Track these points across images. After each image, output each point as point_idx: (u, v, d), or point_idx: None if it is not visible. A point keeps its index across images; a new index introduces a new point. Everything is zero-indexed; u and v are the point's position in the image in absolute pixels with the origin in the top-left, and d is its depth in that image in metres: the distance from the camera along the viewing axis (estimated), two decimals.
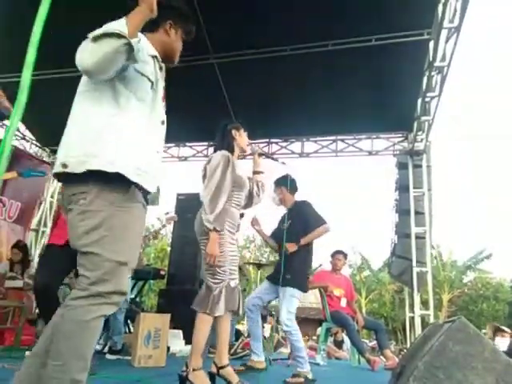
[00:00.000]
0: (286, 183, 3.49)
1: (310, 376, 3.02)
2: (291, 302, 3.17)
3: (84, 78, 1.43)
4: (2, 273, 5.01)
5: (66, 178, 1.32)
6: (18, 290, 4.94)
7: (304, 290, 3.28)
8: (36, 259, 7.29)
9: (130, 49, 1.27)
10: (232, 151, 2.56)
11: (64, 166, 1.28)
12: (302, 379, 2.96)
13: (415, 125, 5.88)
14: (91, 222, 1.27)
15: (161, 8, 1.44)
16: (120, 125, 1.34)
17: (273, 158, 3.14)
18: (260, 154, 2.84)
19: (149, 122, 1.44)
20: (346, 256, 5.06)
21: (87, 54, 1.23)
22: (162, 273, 4.97)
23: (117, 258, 1.28)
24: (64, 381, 1.20)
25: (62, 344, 1.23)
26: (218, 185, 2.38)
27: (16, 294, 4.84)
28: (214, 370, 2.39)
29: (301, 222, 3.36)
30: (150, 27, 1.53)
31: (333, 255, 4.94)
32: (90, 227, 1.27)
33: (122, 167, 1.29)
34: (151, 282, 4.77)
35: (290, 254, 3.21)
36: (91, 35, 1.22)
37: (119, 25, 1.27)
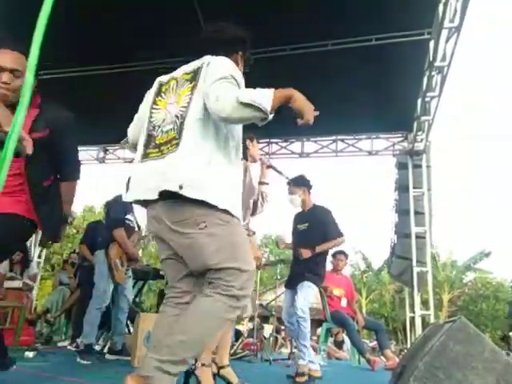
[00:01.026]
0: (307, 184, 3.52)
1: (315, 374, 3.06)
2: (308, 291, 3.30)
3: (203, 109, 1.45)
4: (1, 273, 5.01)
5: (173, 199, 1.39)
6: (18, 290, 4.94)
7: (319, 285, 3.51)
8: (36, 259, 7.29)
9: (264, 121, 1.39)
10: (246, 159, 2.66)
11: (181, 187, 1.35)
12: (305, 377, 2.99)
13: (415, 125, 5.88)
14: (219, 241, 1.40)
15: (236, 39, 1.68)
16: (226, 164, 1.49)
17: (279, 172, 3.18)
18: (268, 166, 2.97)
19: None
20: (347, 256, 5.06)
21: (230, 108, 1.33)
22: (162, 273, 4.96)
23: (246, 267, 1.41)
24: (177, 355, 1.33)
25: (194, 327, 1.36)
26: None
27: (15, 294, 4.84)
28: (214, 369, 2.38)
29: (320, 228, 3.41)
30: (224, 54, 1.60)
31: (334, 255, 4.93)
32: (219, 246, 1.39)
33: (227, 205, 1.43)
34: (151, 282, 4.76)
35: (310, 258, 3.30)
36: (241, 99, 1.32)
37: (263, 96, 1.34)
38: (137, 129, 1.76)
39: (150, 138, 1.55)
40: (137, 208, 3.91)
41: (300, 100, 1.40)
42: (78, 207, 21.88)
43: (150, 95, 1.69)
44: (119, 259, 3.59)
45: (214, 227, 1.39)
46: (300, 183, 3.52)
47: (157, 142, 1.51)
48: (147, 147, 1.54)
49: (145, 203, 1.52)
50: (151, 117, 1.60)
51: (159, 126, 1.53)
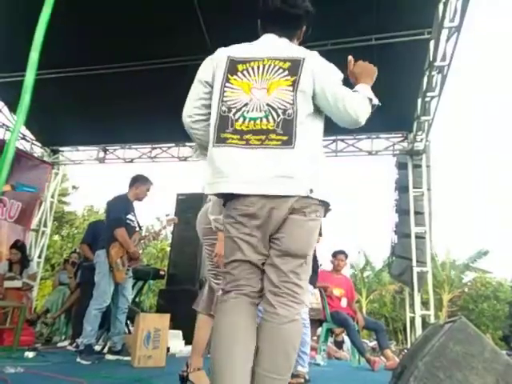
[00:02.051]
0: None
1: (307, 376, 3.00)
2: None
3: (311, 109, 1.42)
4: (1, 273, 5.01)
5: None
6: (17, 290, 4.94)
7: (314, 286, 3.45)
8: (36, 259, 7.29)
9: None
10: None
11: (311, 191, 1.33)
12: (301, 379, 2.94)
13: (415, 125, 5.88)
14: (316, 233, 1.41)
15: (306, 13, 1.59)
16: None
17: None
18: None
19: None
20: (347, 256, 5.05)
21: (366, 114, 1.41)
22: (162, 273, 4.97)
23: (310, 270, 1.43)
24: None
25: (293, 358, 1.33)
26: None
27: (15, 294, 4.84)
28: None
29: None
30: (295, 34, 1.60)
31: (334, 255, 4.92)
32: (315, 239, 1.41)
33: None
34: (151, 282, 4.76)
35: None
36: (375, 101, 1.44)
37: (370, 93, 1.46)
38: (195, 111, 1.54)
39: (225, 120, 1.39)
40: (137, 208, 3.92)
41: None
42: (78, 207, 21.90)
43: (214, 70, 1.49)
44: (120, 259, 3.59)
45: (319, 220, 1.41)
46: None
47: (237, 127, 1.37)
48: (222, 131, 1.39)
49: (232, 196, 1.37)
50: (224, 95, 1.43)
51: (238, 110, 1.39)
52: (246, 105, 1.39)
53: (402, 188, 6.31)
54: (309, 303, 3.30)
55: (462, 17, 3.81)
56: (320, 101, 1.41)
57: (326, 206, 1.42)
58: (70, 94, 6.07)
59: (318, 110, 1.44)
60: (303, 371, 2.99)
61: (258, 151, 1.33)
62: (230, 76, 1.45)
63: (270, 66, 1.43)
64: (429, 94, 4.95)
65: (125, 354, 3.61)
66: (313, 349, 6.19)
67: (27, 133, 7.49)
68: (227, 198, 1.39)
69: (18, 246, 5.30)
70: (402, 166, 6.33)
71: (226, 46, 1.56)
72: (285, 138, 1.34)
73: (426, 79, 4.92)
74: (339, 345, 7.15)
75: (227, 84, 1.44)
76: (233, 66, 1.46)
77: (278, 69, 1.42)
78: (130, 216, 3.74)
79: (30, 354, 3.45)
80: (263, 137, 1.34)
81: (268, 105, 1.38)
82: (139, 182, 3.84)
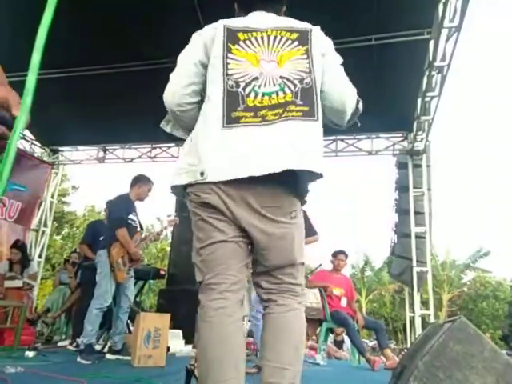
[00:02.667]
0: None
1: None
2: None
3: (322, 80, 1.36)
4: (1, 273, 5.01)
5: (286, 182, 1.19)
6: (18, 289, 4.94)
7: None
8: (36, 259, 7.29)
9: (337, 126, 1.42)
10: None
11: (320, 166, 1.20)
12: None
13: (415, 124, 5.88)
14: (301, 233, 1.30)
15: None
16: None
17: None
18: None
19: None
20: (347, 256, 5.06)
21: (353, 106, 1.36)
22: (162, 273, 4.96)
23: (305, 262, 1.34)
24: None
25: (301, 350, 1.24)
26: None
27: (16, 293, 4.85)
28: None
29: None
30: (281, 11, 1.52)
31: (334, 255, 4.92)
32: (301, 239, 1.30)
33: None
34: (151, 281, 4.76)
35: None
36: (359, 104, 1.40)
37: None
38: (183, 87, 1.33)
39: (234, 97, 1.23)
40: (138, 208, 3.92)
41: None
42: (78, 207, 21.91)
43: (212, 41, 1.32)
44: (121, 259, 3.59)
45: (300, 218, 1.28)
46: None
47: (249, 103, 1.22)
48: (233, 109, 1.21)
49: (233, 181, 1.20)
50: (228, 68, 1.26)
51: (248, 84, 1.24)
52: (255, 79, 1.24)
53: (402, 188, 6.31)
54: (309, 303, 3.32)
55: (462, 17, 3.81)
56: (327, 76, 1.33)
57: (302, 200, 1.31)
58: (69, 94, 6.07)
59: None
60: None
61: (276, 125, 1.18)
62: (231, 46, 1.29)
63: (275, 36, 1.32)
64: (429, 93, 4.95)
65: (125, 354, 3.62)
66: (313, 348, 6.21)
67: (27, 133, 7.49)
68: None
69: (19, 245, 5.30)
70: (402, 166, 6.33)
71: None
72: (306, 108, 1.22)
73: (425, 79, 4.92)
74: (339, 344, 7.15)
75: (229, 55, 1.28)
76: (233, 35, 1.31)
77: (286, 40, 1.31)
78: (131, 216, 3.74)
79: (30, 354, 3.45)
80: (281, 110, 1.20)
81: (282, 77, 1.25)
82: (141, 182, 3.84)
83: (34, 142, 7.69)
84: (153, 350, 3.30)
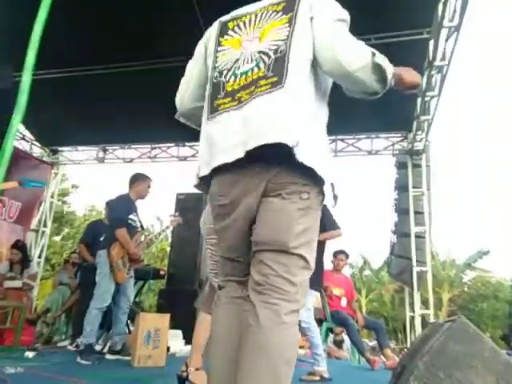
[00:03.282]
0: None
1: (325, 375, 3.03)
2: (307, 299, 3.25)
3: (312, 48, 1.18)
4: (1, 273, 5.01)
5: (284, 160, 1.07)
6: (18, 290, 4.94)
7: (317, 288, 3.42)
8: (36, 259, 7.29)
9: (370, 96, 1.28)
10: None
11: (297, 144, 1.03)
12: (317, 377, 2.98)
13: (415, 124, 5.88)
14: (308, 221, 1.11)
15: None
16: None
17: None
18: None
19: None
20: (347, 256, 5.06)
21: (361, 64, 1.13)
22: (162, 273, 4.97)
23: (312, 265, 1.13)
24: None
25: (284, 372, 0.99)
26: None
27: (15, 294, 4.85)
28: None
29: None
30: None
31: (335, 255, 4.92)
32: (306, 226, 1.10)
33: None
34: (151, 281, 4.76)
35: None
36: (377, 59, 1.15)
37: (390, 67, 1.19)
38: (189, 93, 1.37)
39: (216, 86, 1.23)
40: (138, 208, 3.92)
41: (411, 80, 1.26)
42: (78, 207, 21.90)
43: (208, 42, 1.35)
44: (121, 259, 3.59)
45: (314, 204, 1.12)
46: None
47: (228, 88, 1.19)
48: (214, 98, 1.21)
49: (216, 171, 1.17)
50: (216, 61, 1.27)
51: (229, 69, 1.22)
52: (236, 61, 1.21)
53: (401, 188, 6.31)
54: (311, 305, 3.31)
55: (462, 16, 3.81)
56: (321, 38, 1.16)
57: (320, 185, 1.12)
58: (69, 94, 6.06)
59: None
60: (319, 369, 3.04)
61: (247, 105, 1.12)
62: (221, 39, 1.30)
63: (262, 14, 1.26)
64: (428, 93, 4.95)
65: (125, 354, 3.62)
66: None
67: (26, 133, 7.48)
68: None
69: (19, 246, 5.30)
70: (401, 166, 6.33)
71: None
72: (275, 79, 1.12)
73: (425, 79, 4.92)
74: (339, 344, 7.15)
75: (219, 48, 1.29)
76: (223, 27, 1.33)
77: (272, 13, 1.24)
78: (132, 216, 3.73)
79: (30, 354, 3.45)
80: (253, 88, 1.13)
81: (260, 52, 1.18)
82: (138, 180, 3.85)
83: (33, 142, 7.68)
84: (153, 350, 3.30)
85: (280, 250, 1.07)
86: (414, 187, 6.05)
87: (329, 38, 1.13)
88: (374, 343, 10.88)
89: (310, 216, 1.11)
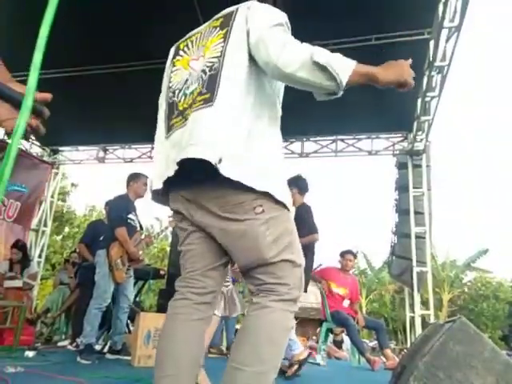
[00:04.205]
0: (296, 184, 3.52)
1: (303, 356, 3.02)
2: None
3: (245, 59, 1.20)
4: (1, 273, 5.01)
5: (221, 181, 1.09)
6: (18, 289, 4.94)
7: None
8: (36, 259, 7.29)
9: (330, 95, 1.17)
10: None
11: (220, 161, 1.06)
12: (296, 365, 2.97)
13: (415, 125, 5.88)
14: (276, 229, 1.15)
15: None
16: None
17: None
18: None
19: None
20: (355, 256, 5.05)
21: (299, 64, 1.10)
22: (162, 273, 4.97)
23: (300, 261, 1.19)
24: None
25: (266, 350, 1.08)
26: None
27: (15, 293, 4.84)
28: None
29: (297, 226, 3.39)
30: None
31: (343, 255, 4.90)
32: (276, 235, 1.14)
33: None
34: (151, 281, 4.76)
35: None
36: (316, 57, 1.09)
37: (344, 64, 1.10)
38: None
39: (171, 106, 1.28)
40: (138, 208, 3.92)
41: (387, 79, 1.17)
42: (78, 206, 21.91)
43: (168, 64, 1.41)
44: (120, 259, 3.59)
45: (272, 212, 1.14)
46: (290, 184, 3.55)
47: (179, 108, 1.24)
48: (170, 118, 1.27)
49: (167, 185, 1.21)
50: (170, 82, 1.33)
51: (180, 90, 1.26)
52: (186, 81, 1.26)
53: (401, 188, 6.31)
54: (309, 303, 3.30)
55: (462, 17, 3.82)
56: (255, 48, 1.15)
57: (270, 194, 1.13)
58: (69, 94, 6.05)
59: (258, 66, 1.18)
60: (295, 354, 3.01)
61: (186, 124, 1.18)
62: (174, 60, 1.36)
63: (206, 31, 1.29)
64: (429, 93, 4.95)
65: (125, 354, 3.62)
66: (313, 348, 6.20)
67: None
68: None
69: (19, 245, 5.30)
70: (401, 166, 6.33)
71: None
72: (207, 95, 1.15)
73: (425, 79, 4.92)
74: (338, 344, 7.16)
75: (172, 69, 1.35)
76: (177, 48, 1.38)
77: (212, 29, 1.27)
78: (131, 216, 3.74)
79: (30, 354, 3.45)
80: (192, 104, 1.18)
81: (201, 70, 1.22)
82: (133, 179, 3.87)
83: (33, 141, 7.68)
84: (153, 350, 3.30)
85: (263, 264, 1.14)
86: (414, 187, 6.05)
87: (263, 44, 1.12)
88: (374, 343, 10.90)
89: (275, 224, 1.15)
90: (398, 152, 6.52)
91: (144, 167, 7.64)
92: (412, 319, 5.77)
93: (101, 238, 4.39)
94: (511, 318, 22.67)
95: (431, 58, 4.48)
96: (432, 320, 5.62)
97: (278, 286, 1.13)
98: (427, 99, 5.09)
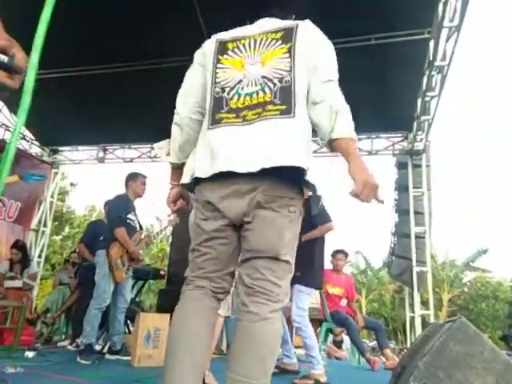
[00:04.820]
0: None
1: (322, 379, 2.94)
2: (299, 297, 3.18)
3: (307, 80, 1.32)
4: (1, 273, 5.01)
5: (274, 173, 1.18)
6: (18, 289, 4.94)
7: (313, 286, 3.30)
8: (36, 259, 7.29)
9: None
10: None
11: (295, 160, 1.18)
12: (311, 381, 2.92)
13: (415, 124, 5.88)
14: (294, 231, 1.27)
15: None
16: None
17: None
18: None
19: None
20: (346, 255, 5.05)
21: (331, 129, 1.31)
22: (162, 273, 4.97)
23: (293, 267, 1.28)
24: None
25: (269, 362, 1.16)
26: None
27: (15, 293, 4.84)
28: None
29: (307, 217, 3.34)
30: (285, 15, 1.49)
31: (333, 255, 4.91)
32: (292, 236, 1.26)
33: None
34: (151, 281, 4.76)
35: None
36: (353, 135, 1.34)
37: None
38: (187, 105, 1.42)
39: (219, 101, 1.32)
40: (138, 208, 3.92)
41: (362, 171, 1.22)
42: (78, 206, 21.90)
43: (205, 57, 1.42)
44: (120, 259, 3.59)
45: (298, 216, 1.27)
46: None
47: (231, 105, 1.29)
48: (217, 112, 1.31)
49: (221, 177, 1.22)
50: (216, 77, 1.36)
51: (232, 88, 1.32)
52: (240, 82, 1.32)
53: (401, 188, 6.31)
54: (306, 306, 3.27)
55: (462, 16, 3.81)
56: (312, 79, 1.29)
57: (301, 199, 1.29)
58: (69, 94, 6.06)
59: None
60: (315, 373, 2.97)
61: (255, 125, 1.23)
62: (220, 57, 1.39)
63: (261, 39, 1.37)
64: (429, 93, 4.95)
65: (124, 354, 3.62)
66: None
67: (26, 132, 7.48)
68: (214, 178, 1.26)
69: (19, 246, 5.30)
70: (401, 166, 6.32)
71: None
72: (283, 107, 1.25)
73: (425, 79, 4.91)
74: (338, 344, 7.16)
75: (218, 65, 1.38)
76: (222, 47, 1.41)
77: (271, 40, 1.35)
78: (130, 215, 3.74)
79: (30, 354, 3.45)
80: (260, 109, 1.25)
81: (263, 77, 1.30)
82: (132, 178, 3.88)
83: (33, 141, 7.68)
84: (153, 350, 3.30)
85: (271, 257, 1.22)
86: (414, 187, 6.05)
87: (321, 107, 1.27)
88: (373, 343, 10.89)
89: (295, 226, 1.27)
90: (397, 152, 6.51)
91: (144, 167, 7.65)
92: (412, 319, 5.77)
93: (101, 238, 4.38)
94: (511, 317, 22.66)
95: (431, 58, 4.48)
96: (432, 320, 5.62)
97: (274, 287, 1.20)
98: (427, 99, 5.08)
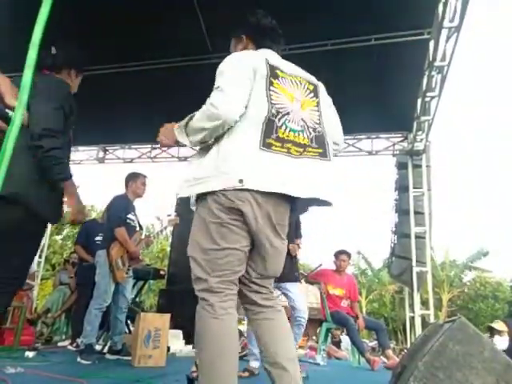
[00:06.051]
0: None
1: (256, 372, 3.07)
2: (302, 295, 3.55)
3: None
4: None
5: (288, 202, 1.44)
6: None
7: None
8: (36, 259, 7.28)
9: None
10: None
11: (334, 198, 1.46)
12: (246, 374, 3.02)
13: (415, 125, 5.88)
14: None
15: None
16: None
17: None
18: None
19: None
20: (349, 256, 5.04)
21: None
22: (162, 273, 4.97)
23: None
24: None
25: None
26: None
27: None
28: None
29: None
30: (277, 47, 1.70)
31: (337, 256, 4.90)
32: None
33: None
34: (151, 281, 4.76)
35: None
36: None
37: None
38: (240, 110, 1.38)
39: (270, 125, 1.36)
40: (138, 208, 3.92)
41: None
42: None
43: (255, 69, 1.43)
44: (120, 258, 3.59)
45: None
46: None
47: (280, 135, 1.37)
48: (267, 136, 1.35)
49: (270, 196, 1.35)
50: (271, 98, 1.40)
51: (283, 116, 1.39)
52: (288, 114, 1.42)
53: (401, 188, 6.31)
54: (309, 303, 3.33)
55: (462, 17, 3.81)
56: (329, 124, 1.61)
57: None
58: None
59: None
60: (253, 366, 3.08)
61: (301, 160, 1.39)
62: (272, 79, 1.45)
63: (300, 82, 1.54)
64: (429, 93, 4.95)
65: (125, 354, 3.62)
66: (313, 348, 6.20)
67: None
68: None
69: None
70: (401, 166, 6.33)
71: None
72: (320, 150, 1.45)
73: (425, 79, 4.91)
74: (337, 345, 7.16)
75: (271, 87, 1.43)
76: (273, 70, 1.47)
77: (307, 90, 1.55)
78: (130, 215, 3.74)
79: (30, 354, 3.45)
80: (301, 149, 1.40)
81: (303, 120, 1.45)
82: (132, 178, 3.88)
83: None
84: (153, 350, 3.30)
85: (274, 276, 1.53)
86: (414, 187, 6.05)
87: (338, 130, 1.68)
88: (374, 343, 10.89)
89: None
90: (397, 152, 6.52)
91: (144, 167, 7.65)
92: (412, 319, 5.77)
93: (96, 238, 4.38)
94: (510, 317, 22.65)
95: (431, 58, 4.48)
96: (432, 320, 5.62)
97: (271, 290, 1.53)
98: (427, 99, 5.08)
